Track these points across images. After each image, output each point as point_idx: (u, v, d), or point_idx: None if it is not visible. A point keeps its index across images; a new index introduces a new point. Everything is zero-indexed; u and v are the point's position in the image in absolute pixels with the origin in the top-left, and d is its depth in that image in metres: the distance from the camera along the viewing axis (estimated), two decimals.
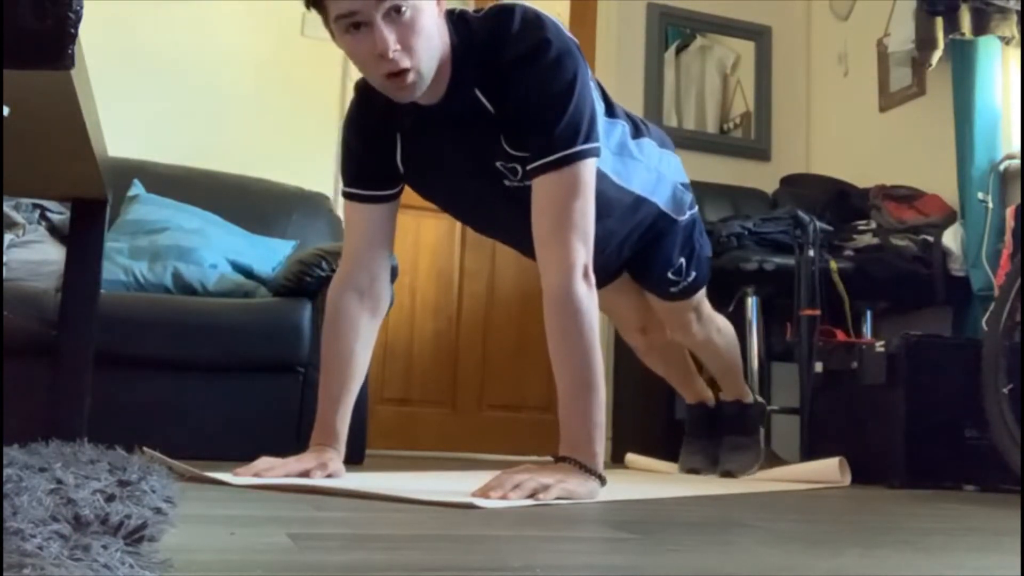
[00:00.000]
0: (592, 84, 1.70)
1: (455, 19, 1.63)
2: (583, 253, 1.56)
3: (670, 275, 2.19)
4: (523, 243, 1.79)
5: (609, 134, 1.83)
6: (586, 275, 1.56)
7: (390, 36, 1.49)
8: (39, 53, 0.93)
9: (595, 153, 1.61)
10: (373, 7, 1.48)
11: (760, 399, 2.81)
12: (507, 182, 1.71)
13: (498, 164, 1.69)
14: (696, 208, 2.22)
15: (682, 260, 2.17)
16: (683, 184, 2.15)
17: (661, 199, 2.06)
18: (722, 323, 2.49)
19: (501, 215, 1.80)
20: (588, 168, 1.60)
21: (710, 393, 2.74)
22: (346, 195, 1.80)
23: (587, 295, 1.55)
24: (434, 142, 1.72)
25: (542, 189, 1.59)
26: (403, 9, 1.49)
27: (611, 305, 2.43)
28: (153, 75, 3.47)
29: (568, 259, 1.54)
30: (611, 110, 1.87)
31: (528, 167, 1.61)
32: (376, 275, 1.79)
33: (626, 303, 2.39)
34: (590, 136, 1.60)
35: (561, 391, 1.54)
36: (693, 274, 2.21)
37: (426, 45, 1.53)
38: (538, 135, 1.59)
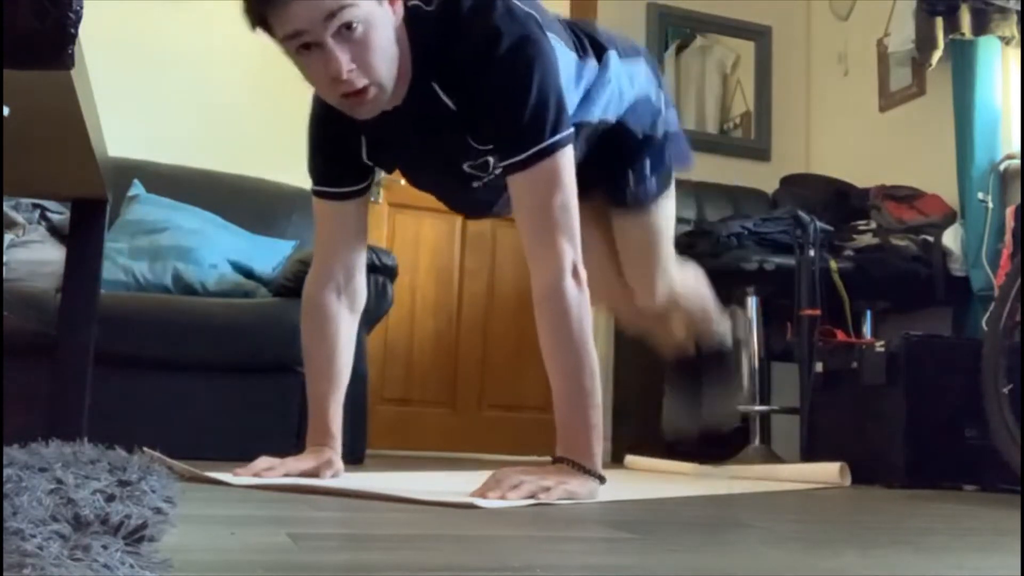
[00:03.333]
0: (557, 44, 1.61)
1: (409, 14, 1.54)
2: (570, 251, 1.52)
3: (630, 174, 1.96)
4: (492, 213, 1.85)
5: (579, 80, 1.73)
6: (575, 274, 1.52)
7: (343, 57, 1.42)
8: (39, 53, 0.93)
9: (567, 141, 1.55)
10: (321, 27, 1.40)
11: (729, 333, 2.58)
12: (476, 183, 1.70)
13: (466, 167, 1.66)
14: (673, 123, 2.04)
15: (647, 164, 1.97)
16: (645, 96, 1.94)
17: (613, 114, 1.89)
18: (687, 276, 2.28)
19: (471, 201, 1.82)
20: (562, 159, 1.53)
21: (689, 337, 2.50)
22: (316, 193, 1.75)
23: (577, 294, 1.51)
24: (400, 142, 1.68)
25: (519, 189, 1.55)
26: (354, 25, 1.41)
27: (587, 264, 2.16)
28: (153, 75, 3.47)
29: (556, 260, 1.51)
30: (581, 46, 1.75)
31: (502, 164, 1.57)
32: (352, 271, 1.76)
33: (596, 261, 2.10)
34: (559, 126, 1.53)
35: (556, 393, 1.52)
36: (653, 180, 1.99)
37: (382, 58, 1.46)
38: (504, 134, 1.55)
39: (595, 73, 1.77)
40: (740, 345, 2.65)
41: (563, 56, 1.65)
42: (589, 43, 1.79)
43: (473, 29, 1.53)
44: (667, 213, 2.09)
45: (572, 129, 1.58)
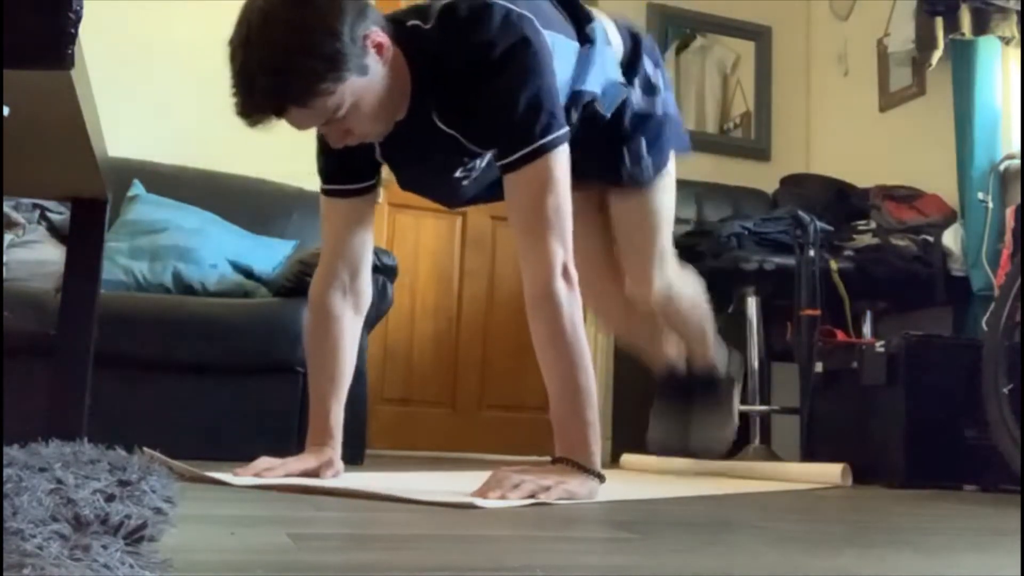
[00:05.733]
0: (556, 38, 1.65)
1: (407, 36, 1.60)
2: (561, 252, 1.53)
3: (625, 152, 1.97)
4: (478, 200, 1.90)
5: (585, 65, 1.78)
6: (566, 274, 1.53)
7: (337, 133, 1.58)
8: (39, 53, 0.93)
9: (561, 141, 1.57)
10: (317, 125, 1.58)
11: (730, 373, 2.61)
12: (465, 182, 1.78)
13: (458, 173, 1.75)
14: (671, 105, 2.04)
15: (643, 142, 1.97)
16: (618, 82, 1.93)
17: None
18: (687, 283, 2.27)
19: (455, 196, 1.88)
20: (556, 159, 1.55)
21: (681, 356, 2.51)
22: (325, 192, 1.80)
23: (568, 295, 1.52)
24: (404, 149, 1.73)
25: (512, 189, 1.58)
26: (342, 113, 1.52)
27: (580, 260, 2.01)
28: (153, 75, 3.47)
29: (546, 260, 1.52)
30: (580, 29, 1.78)
31: (497, 164, 1.61)
32: (357, 270, 1.79)
33: (593, 249, 2.16)
34: (551, 126, 1.55)
35: (551, 393, 1.53)
36: (649, 159, 1.99)
37: (372, 120, 1.58)
38: (496, 136, 1.60)
39: (595, 51, 1.80)
40: (733, 383, 2.61)
41: (564, 49, 1.68)
42: (579, 13, 1.81)
43: (467, 42, 1.58)
44: (665, 198, 2.09)
45: (566, 129, 1.60)
